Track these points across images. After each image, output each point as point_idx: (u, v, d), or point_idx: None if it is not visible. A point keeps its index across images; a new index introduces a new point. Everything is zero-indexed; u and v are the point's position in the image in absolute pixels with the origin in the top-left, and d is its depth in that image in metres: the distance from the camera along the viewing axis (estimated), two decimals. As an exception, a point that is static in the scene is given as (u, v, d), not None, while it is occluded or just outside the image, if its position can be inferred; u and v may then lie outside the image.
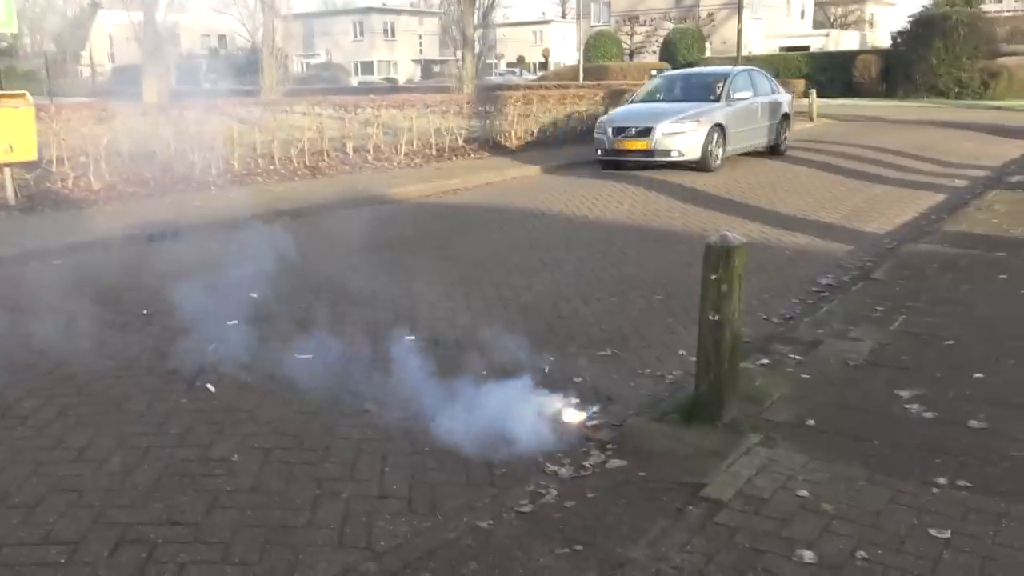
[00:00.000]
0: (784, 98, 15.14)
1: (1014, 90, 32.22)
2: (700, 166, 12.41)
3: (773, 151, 14.60)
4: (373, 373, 4.33)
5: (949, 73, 32.96)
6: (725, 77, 13.78)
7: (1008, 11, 48.37)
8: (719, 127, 12.65)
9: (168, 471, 3.37)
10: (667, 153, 12.30)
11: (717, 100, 13.13)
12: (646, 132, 12.49)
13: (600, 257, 7.20)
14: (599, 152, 13.08)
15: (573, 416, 3.87)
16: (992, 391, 3.92)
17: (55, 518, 3.02)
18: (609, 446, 3.55)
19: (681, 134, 12.32)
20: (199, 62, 54.77)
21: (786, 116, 15.04)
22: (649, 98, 14.36)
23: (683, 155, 12.26)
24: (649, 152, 12.44)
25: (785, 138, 15.02)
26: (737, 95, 13.31)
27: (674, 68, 42.78)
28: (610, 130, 12.90)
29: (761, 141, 14.23)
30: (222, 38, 66.00)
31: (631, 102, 14.63)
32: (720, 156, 12.71)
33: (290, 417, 3.89)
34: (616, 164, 12.99)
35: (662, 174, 12.26)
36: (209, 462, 3.45)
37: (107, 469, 3.40)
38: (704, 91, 13.62)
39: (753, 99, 13.74)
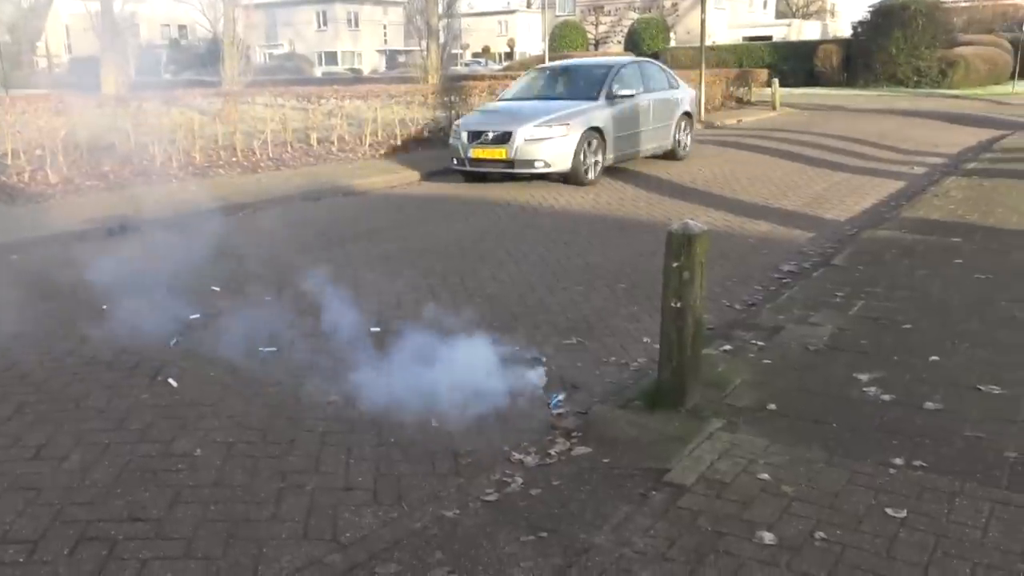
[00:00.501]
0: (684, 94, 13.19)
1: (970, 79, 32.79)
2: (571, 179, 10.50)
3: (671, 156, 12.75)
4: (337, 365, 4.32)
5: (908, 62, 33.43)
6: (608, 70, 11.77)
7: (965, 1, 49.19)
8: (596, 131, 10.70)
9: (129, 467, 3.33)
10: (530, 164, 10.28)
11: (596, 98, 11.10)
12: (504, 138, 10.34)
13: (565, 246, 7.22)
14: (454, 161, 10.94)
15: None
16: (947, 373, 4.01)
17: (13, 517, 2.98)
18: (574, 434, 3.58)
19: (547, 140, 10.24)
20: (159, 53, 53.89)
21: (687, 115, 13.10)
22: (521, 95, 12.15)
23: (550, 166, 10.28)
24: (509, 162, 10.35)
25: (687, 141, 13.14)
26: (622, 92, 11.32)
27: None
28: (465, 135, 10.73)
29: (654, 145, 12.23)
30: (182, 28, 64.98)
31: (500, 99, 12.57)
32: (599, 166, 10.79)
33: (254, 411, 3.87)
34: (477, 176, 10.98)
35: (631, 164, 12.18)
36: (171, 457, 3.42)
37: (66, 467, 3.35)
38: (583, 87, 11.59)
39: (642, 96, 11.78)
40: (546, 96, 11.85)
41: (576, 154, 10.33)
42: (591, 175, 10.65)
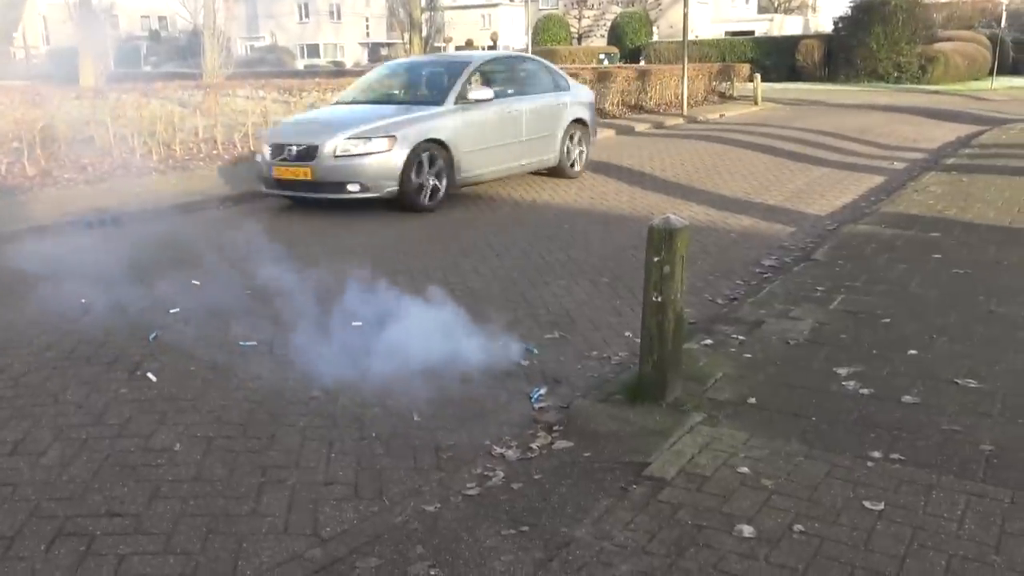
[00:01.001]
0: (576, 97, 10.83)
1: (950, 74, 33.07)
2: (403, 203, 8.37)
3: (558, 173, 10.54)
4: (319, 360, 4.29)
5: (888, 58, 33.66)
6: (463, 68, 9.45)
7: (945, -3, 49.54)
8: (437, 144, 8.56)
9: (107, 462, 3.31)
10: (340, 187, 8.17)
11: (441, 103, 8.90)
12: (309, 154, 8.20)
13: (547, 240, 7.22)
14: (263, 184, 8.84)
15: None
16: (925, 367, 4.05)
17: (-11, 513, 2.95)
18: (556, 428, 3.59)
19: (364, 157, 8.15)
20: (139, 44, 53.34)
21: (579, 123, 10.76)
22: (358, 98, 9.87)
23: (369, 189, 8.17)
24: (314, 184, 8.26)
25: (579, 155, 10.81)
26: (479, 95, 9.10)
27: (622, 52, 43.16)
28: (267, 150, 8.61)
29: (530, 161, 9.98)
30: (162, 19, 64.34)
31: (336, 102, 10.34)
32: (441, 188, 8.63)
33: (234, 405, 3.85)
34: (291, 199, 8.89)
35: (607, 152, 12.12)
36: (150, 452, 3.40)
37: (43, 462, 3.32)
38: (429, 89, 9.54)
39: (512, 100, 9.66)
40: (385, 100, 9.70)
41: (405, 174, 8.25)
42: (429, 200, 8.55)
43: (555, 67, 11.40)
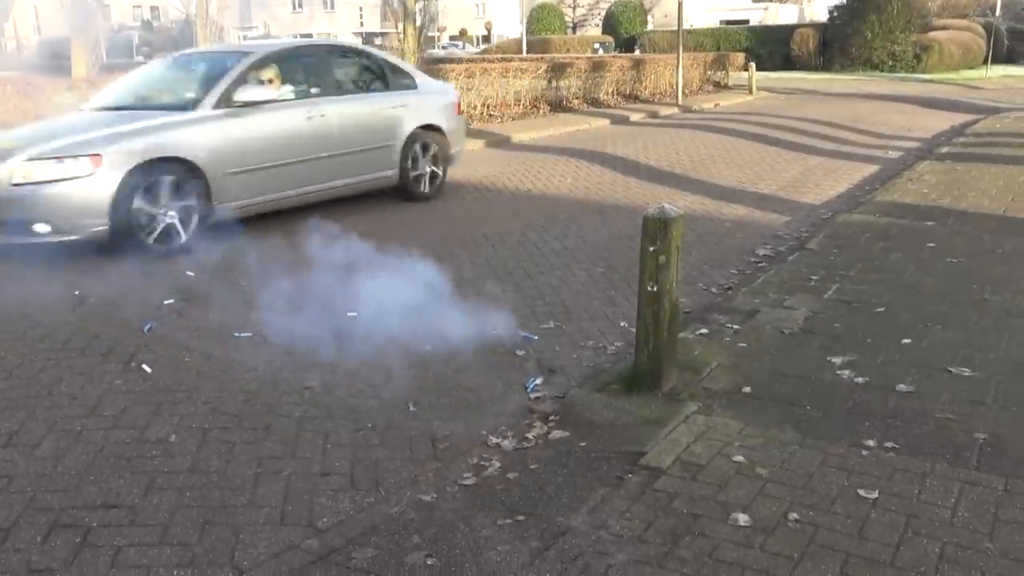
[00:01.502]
0: (427, 97, 8.61)
1: (944, 63, 33.07)
2: (124, 246, 6.15)
3: (406, 194, 8.39)
4: (315, 350, 4.30)
5: (883, 47, 33.64)
6: (236, 61, 7.27)
7: (940, -14, 49.46)
8: (179, 164, 6.39)
9: (103, 454, 3.30)
10: (24, 227, 5.86)
11: (193, 107, 6.80)
12: None
13: (542, 230, 7.22)
14: None
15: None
16: (919, 356, 4.06)
17: (-16, 505, 2.95)
18: (552, 417, 3.59)
19: (55, 184, 5.92)
20: (131, 34, 53.09)
21: (431, 130, 8.49)
22: (108, 103, 7.54)
23: (63, 229, 5.92)
24: None
25: (432, 171, 8.54)
26: (253, 96, 6.99)
27: (616, 41, 43.02)
28: None
29: (353, 180, 7.85)
30: (155, 9, 63.99)
31: (80, 108, 7.97)
32: (191, 224, 6.46)
33: (229, 396, 3.84)
34: None
35: (604, 139, 12.07)
36: (145, 444, 3.39)
37: (39, 454, 3.31)
38: (186, 90, 7.29)
39: (316, 102, 7.54)
40: (135, 105, 7.36)
41: (120, 206, 6.05)
42: (165, 242, 6.33)
43: (396, 59, 9.41)
